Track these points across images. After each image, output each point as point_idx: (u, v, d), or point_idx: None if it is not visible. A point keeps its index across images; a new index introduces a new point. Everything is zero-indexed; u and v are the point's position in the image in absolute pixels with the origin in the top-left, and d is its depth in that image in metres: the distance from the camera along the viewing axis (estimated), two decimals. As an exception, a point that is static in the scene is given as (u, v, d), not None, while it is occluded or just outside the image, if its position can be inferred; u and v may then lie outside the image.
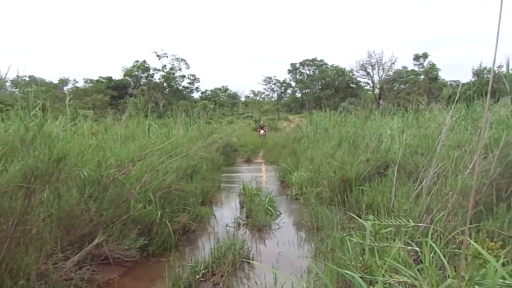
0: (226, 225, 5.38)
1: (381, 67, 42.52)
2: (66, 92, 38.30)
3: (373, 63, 42.72)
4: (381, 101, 34.68)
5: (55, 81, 43.47)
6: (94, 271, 3.44)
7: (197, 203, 5.82)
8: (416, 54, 44.68)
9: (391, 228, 2.36)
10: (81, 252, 3.34)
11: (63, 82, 44.67)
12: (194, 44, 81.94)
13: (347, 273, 1.79)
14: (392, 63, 42.38)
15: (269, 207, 5.92)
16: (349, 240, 3.12)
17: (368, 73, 43.70)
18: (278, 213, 6.03)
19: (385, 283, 1.80)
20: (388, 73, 42.94)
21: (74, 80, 45.91)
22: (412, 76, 43.38)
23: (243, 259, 3.78)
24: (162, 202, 4.65)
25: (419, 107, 8.26)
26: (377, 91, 42.78)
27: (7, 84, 13.55)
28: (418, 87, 37.43)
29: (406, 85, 42.09)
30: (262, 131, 22.51)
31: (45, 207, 3.22)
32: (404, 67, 44.48)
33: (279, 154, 13.47)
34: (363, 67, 43.36)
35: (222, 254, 3.69)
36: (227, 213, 6.19)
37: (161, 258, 4.04)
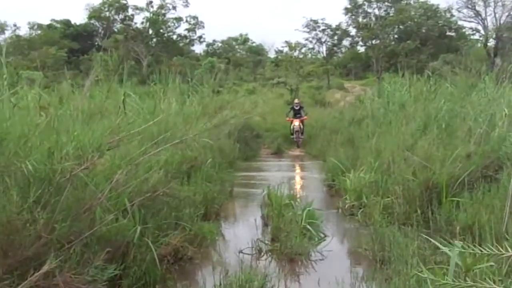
0: (240, 251, 5.53)
1: (499, 3, 41.14)
2: (2, 43, 39.38)
3: (487, -3, 41.41)
4: (497, 59, 33.70)
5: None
6: (43, 312, 3.66)
7: (196, 216, 5.99)
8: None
9: (493, 263, 2.42)
10: (23, 284, 3.55)
11: (-2, 28, 45.94)
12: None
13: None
14: (520, -4, 40.89)
15: (308, 226, 6.03)
16: (430, 281, 3.18)
17: (477, 13, 42.38)
18: (322, 235, 6.14)
19: None
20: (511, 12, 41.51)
21: (14, 25, 47.04)
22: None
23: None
24: (144, 214, 4.83)
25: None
26: (492, 42, 41.50)
27: None
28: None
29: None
30: (297, 123, 17.49)
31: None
32: (539, 3, 42.85)
33: (326, 143, 13.58)
34: (469, 3, 42.12)
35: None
36: (242, 232, 6.36)
37: (140, 297, 4.23)
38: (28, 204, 3.78)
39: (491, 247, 2.74)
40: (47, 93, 9.21)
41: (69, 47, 42.44)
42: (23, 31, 46.74)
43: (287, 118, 17.95)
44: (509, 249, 2.15)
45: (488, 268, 2.67)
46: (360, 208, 7.01)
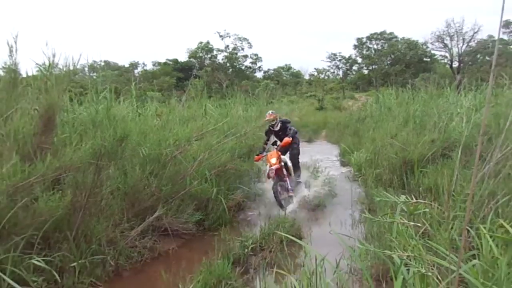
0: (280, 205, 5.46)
1: (461, 38, 38.63)
2: (137, 75, 40.94)
3: (452, 34, 38.87)
4: (458, 76, 31.73)
5: (127, 65, 46.66)
6: (155, 241, 3.82)
7: (253, 181, 6.03)
8: (506, 21, 39.67)
9: (426, 209, 2.34)
10: (143, 223, 3.72)
11: (134, 65, 47.69)
12: (256, 22, 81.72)
13: (383, 252, 1.81)
14: (475, 33, 38.10)
15: (329, 187, 5.98)
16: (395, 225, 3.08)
17: (445, 45, 39.88)
18: (334, 194, 6.04)
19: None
20: (470, 43, 38.92)
21: (143, 63, 48.87)
22: (500, 46, 38.73)
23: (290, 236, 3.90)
24: (218, 180, 4.91)
25: (499, 82, 7.52)
26: (456, 64, 39.08)
27: (86, 69, 14.94)
28: (505, 58, 33.41)
29: (492, 57, 37.79)
30: (273, 159, 5.42)
31: (112, 182, 3.64)
32: (490, 36, 39.73)
33: (341, 134, 13.27)
34: (439, 39, 39.66)
35: (271, 231, 3.84)
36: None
37: (216, 232, 4.31)
38: (146, 174, 3.95)
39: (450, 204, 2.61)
40: (163, 106, 9.53)
41: (177, 77, 43.43)
42: (149, 67, 48.50)
43: (256, 156, 5.97)
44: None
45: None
46: (360, 176, 6.81)
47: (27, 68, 4.34)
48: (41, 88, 3.39)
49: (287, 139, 5.61)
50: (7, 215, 2.43)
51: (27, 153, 2.97)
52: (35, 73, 3.77)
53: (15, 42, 2.96)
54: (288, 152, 5.95)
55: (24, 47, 3.29)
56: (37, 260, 2.67)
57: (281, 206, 5.08)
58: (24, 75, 3.63)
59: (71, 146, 3.24)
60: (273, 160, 5.37)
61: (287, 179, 5.47)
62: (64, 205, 2.97)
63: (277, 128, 6.03)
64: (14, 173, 2.51)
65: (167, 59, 48.66)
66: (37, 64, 3.43)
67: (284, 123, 6.05)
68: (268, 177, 5.38)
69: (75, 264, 3.02)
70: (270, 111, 6.22)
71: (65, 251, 3.04)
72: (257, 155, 5.85)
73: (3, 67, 3.09)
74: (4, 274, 2.36)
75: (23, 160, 2.78)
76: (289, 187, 5.47)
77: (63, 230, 3.10)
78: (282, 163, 5.51)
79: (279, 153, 5.56)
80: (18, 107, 3.06)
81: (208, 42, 48.07)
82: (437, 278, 1.55)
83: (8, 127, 2.83)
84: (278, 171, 5.37)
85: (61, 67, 3.55)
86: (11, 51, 2.96)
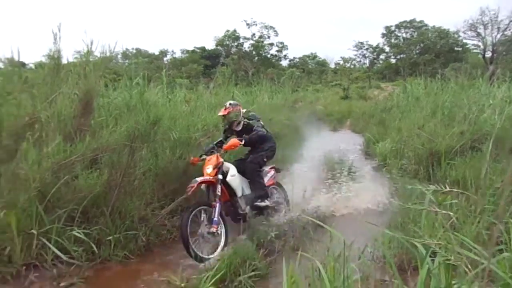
0: (305, 191, 5.48)
1: (495, 27, 36.60)
2: (166, 62, 41.44)
3: (486, 22, 36.90)
4: (491, 66, 30.26)
5: (157, 53, 47.27)
6: (184, 221, 3.92)
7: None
8: (544, 9, 37.20)
9: (454, 201, 2.30)
10: (173, 203, 3.83)
11: (163, 53, 48.28)
12: (282, 10, 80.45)
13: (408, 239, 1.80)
14: (511, 21, 36.14)
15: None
16: (424, 214, 3.03)
17: (478, 34, 37.92)
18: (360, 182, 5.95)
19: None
20: (505, 32, 36.81)
21: (172, 51, 49.33)
22: (537, 35, 36.43)
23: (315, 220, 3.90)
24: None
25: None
26: (488, 54, 37.19)
27: (119, 56, 15.25)
28: (542, 48, 31.53)
29: (528, 47, 35.69)
30: (209, 168, 3.52)
31: (144, 163, 3.76)
32: (528, 25, 37.61)
33: (366, 124, 13.00)
34: (472, 27, 37.70)
35: (294, 217, 3.86)
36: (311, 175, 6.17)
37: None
38: (176, 157, 4.05)
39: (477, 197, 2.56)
40: (191, 93, 9.65)
41: (205, 64, 43.50)
42: (177, 54, 48.98)
43: (193, 158, 3.84)
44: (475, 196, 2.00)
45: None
46: (385, 166, 6.69)
47: (67, 55, 4.51)
48: (80, 74, 3.53)
49: (234, 141, 3.71)
50: (51, 190, 2.60)
51: (68, 134, 3.12)
52: (73, 60, 3.92)
53: (59, 30, 3.09)
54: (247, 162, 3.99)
55: (64, 35, 3.41)
56: (77, 232, 2.84)
57: (187, 251, 3.10)
58: (65, 62, 3.77)
59: (107, 129, 3.37)
60: (208, 169, 3.51)
61: (218, 203, 3.39)
62: (101, 183, 3.12)
63: (239, 128, 4.05)
64: (57, 152, 2.65)
65: (195, 47, 48.83)
66: (76, 51, 3.56)
67: (251, 121, 4.04)
68: (187, 193, 3.35)
69: (110, 237, 3.18)
70: (228, 102, 4.05)
71: (102, 225, 3.21)
72: (200, 156, 3.81)
73: (48, 54, 3.23)
74: (50, 243, 2.53)
75: (65, 141, 2.92)
76: (215, 218, 3.32)
77: (100, 206, 3.25)
78: (220, 176, 3.54)
79: (221, 160, 3.64)
80: (61, 91, 3.20)
81: (234, 30, 47.81)
82: (467, 267, 1.53)
83: (52, 109, 2.98)
84: (212, 186, 3.51)
85: (98, 54, 3.67)
86: (55, 39, 3.09)
